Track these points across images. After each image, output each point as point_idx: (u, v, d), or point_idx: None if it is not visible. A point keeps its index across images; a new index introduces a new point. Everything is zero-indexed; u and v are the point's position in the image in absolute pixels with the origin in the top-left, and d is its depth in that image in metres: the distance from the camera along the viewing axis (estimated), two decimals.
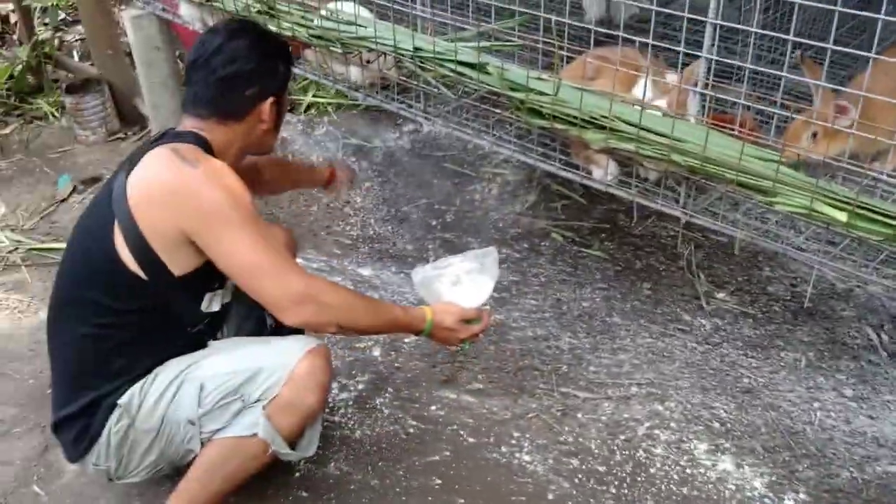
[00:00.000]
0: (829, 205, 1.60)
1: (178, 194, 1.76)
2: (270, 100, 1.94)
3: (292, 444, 1.99)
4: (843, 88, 1.97)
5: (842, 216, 1.58)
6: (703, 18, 1.71)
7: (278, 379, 1.87)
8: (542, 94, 1.98)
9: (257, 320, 2.28)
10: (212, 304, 1.97)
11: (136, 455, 1.94)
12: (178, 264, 1.83)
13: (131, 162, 1.86)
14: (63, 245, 3.35)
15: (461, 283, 2.15)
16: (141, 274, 1.81)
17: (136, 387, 1.90)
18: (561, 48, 1.93)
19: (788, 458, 2.32)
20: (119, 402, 1.88)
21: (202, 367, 1.92)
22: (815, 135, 1.89)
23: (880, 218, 1.54)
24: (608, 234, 3.27)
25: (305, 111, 4.21)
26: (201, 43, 1.96)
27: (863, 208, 1.56)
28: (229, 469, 1.94)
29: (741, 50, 2.65)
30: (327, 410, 2.55)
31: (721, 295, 2.93)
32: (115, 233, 1.80)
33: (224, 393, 1.87)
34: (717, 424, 2.43)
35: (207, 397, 1.87)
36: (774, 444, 2.36)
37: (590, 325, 2.85)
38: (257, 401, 1.88)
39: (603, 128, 1.87)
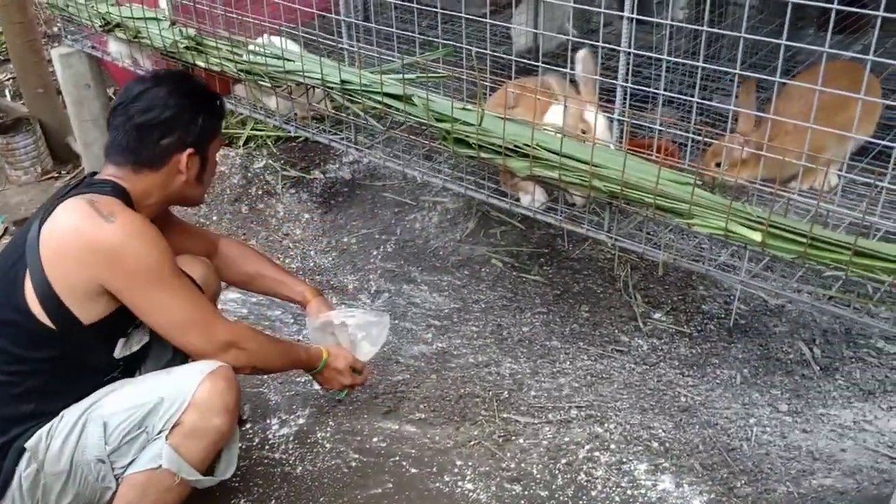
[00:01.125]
0: (744, 225, 1.64)
1: (96, 252, 1.74)
2: (188, 151, 1.91)
3: (210, 470, 1.97)
4: (764, 115, 2.03)
5: (756, 236, 1.62)
6: (617, 48, 1.76)
7: (179, 406, 1.85)
8: (467, 123, 2.00)
9: (176, 354, 2.26)
10: (125, 348, 1.94)
11: (51, 498, 1.88)
12: (88, 314, 1.80)
13: (46, 210, 1.82)
14: None
15: (352, 339, 2.36)
16: (49, 324, 1.78)
17: (44, 429, 1.85)
18: (484, 78, 1.95)
19: (726, 475, 2.35)
20: (26, 445, 1.84)
21: (104, 405, 1.88)
22: (718, 165, 1.95)
23: (792, 236, 1.59)
24: (547, 259, 3.31)
25: (244, 144, 4.19)
26: (126, 88, 1.94)
27: (775, 227, 1.60)
28: (150, 503, 1.89)
29: (673, 77, 2.73)
30: (267, 447, 2.52)
31: (657, 315, 2.97)
32: (25, 283, 1.76)
33: (129, 428, 1.84)
34: (656, 444, 2.45)
35: (112, 434, 1.83)
36: (712, 461, 2.39)
37: (530, 349, 2.86)
38: (160, 431, 1.85)
39: (526, 156, 1.89)
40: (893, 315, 1.69)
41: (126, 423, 1.84)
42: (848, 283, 1.73)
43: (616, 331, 2.91)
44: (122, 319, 1.87)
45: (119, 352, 1.95)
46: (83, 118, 3.42)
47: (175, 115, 1.88)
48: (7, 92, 4.94)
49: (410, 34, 2.15)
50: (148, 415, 1.85)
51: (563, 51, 2.97)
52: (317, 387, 2.72)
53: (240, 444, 2.51)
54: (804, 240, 1.56)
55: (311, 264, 3.40)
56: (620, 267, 3.20)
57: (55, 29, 3.33)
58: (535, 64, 1.95)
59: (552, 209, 2.13)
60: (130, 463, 1.87)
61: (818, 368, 2.71)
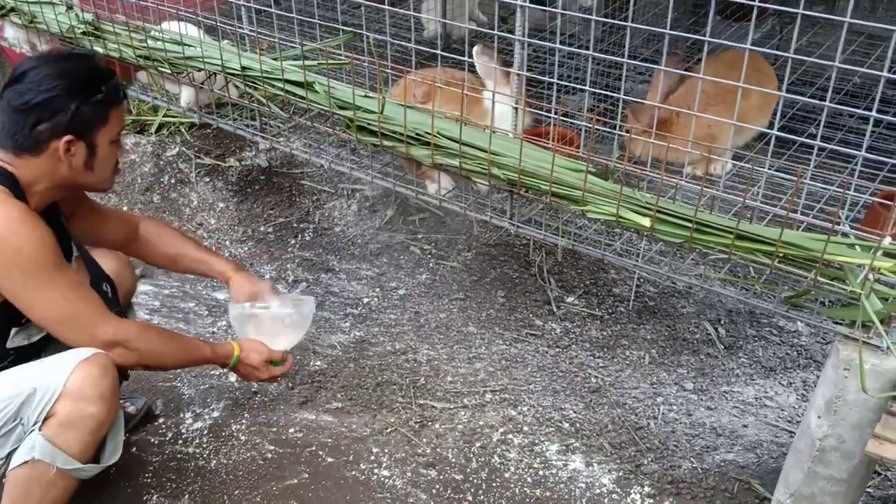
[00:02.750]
0: (635, 211, 1.68)
1: None
2: (67, 138, 1.82)
3: (96, 458, 1.92)
4: (647, 102, 2.07)
5: (645, 221, 1.66)
6: (511, 36, 1.77)
7: (52, 396, 1.79)
8: (369, 111, 1.99)
9: None
10: (23, 337, 1.88)
11: None
12: None
13: None
14: None
15: (273, 327, 2.30)
16: None
17: None
18: (385, 66, 1.95)
19: (634, 452, 2.41)
20: None
21: None
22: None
23: (679, 221, 1.63)
24: (465, 246, 3.33)
25: (157, 132, 4.08)
26: (15, 67, 1.86)
27: (663, 213, 1.65)
28: (35, 500, 1.83)
29: (578, 64, 2.77)
30: (180, 441, 2.48)
31: (570, 299, 3.02)
32: None
33: (3, 420, 1.79)
34: (567, 425, 2.51)
35: None
36: (621, 440, 2.45)
37: (447, 335, 2.88)
38: (35, 423, 1.80)
39: (428, 144, 1.89)
40: (779, 296, 1.76)
41: (1, 414, 1.79)
42: (738, 266, 1.79)
43: (531, 315, 2.96)
44: (13, 309, 1.81)
45: (12, 342, 1.88)
46: None
47: (47, 99, 1.79)
48: None
49: (313, 20, 2.12)
50: (22, 406, 1.79)
51: (472, 38, 3.00)
52: (232, 378, 2.70)
53: (151, 440, 2.48)
54: (690, 225, 1.61)
55: (227, 254, 3.34)
56: (535, 252, 3.24)
57: None
58: (439, 52, 1.95)
59: (460, 197, 2.14)
60: (10, 455, 1.82)
61: (723, 347, 2.81)
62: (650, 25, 1.60)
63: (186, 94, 2.47)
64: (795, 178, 1.44)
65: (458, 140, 1.83)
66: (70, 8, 2.60)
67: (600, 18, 1.65)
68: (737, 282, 1.75)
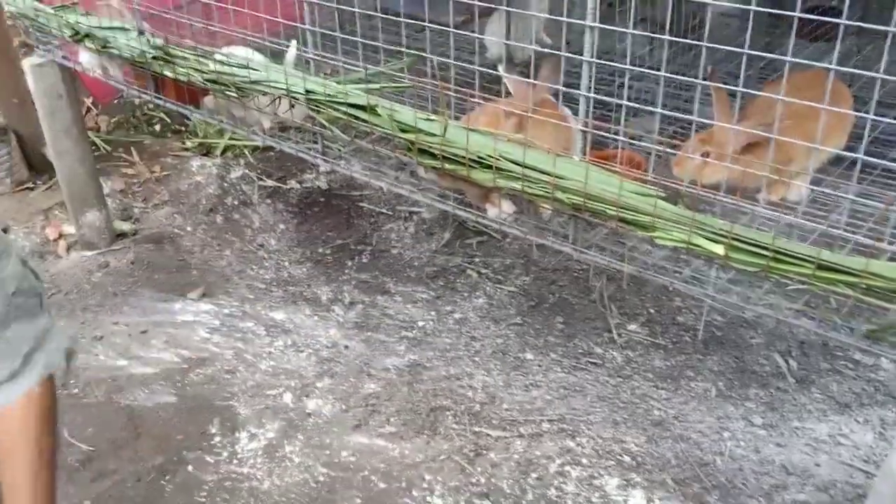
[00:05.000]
0: (708, 238, 1.61)
1: None
2: None
3: None
4: (716, 123, 2.00)
5: (719, 249, 1.59)
6: (580, 57, 1.73)
7: None
8: (431, 134, 1.97)
9: None
10: None
11: None
12: None
13: None
14: None
15: None
16: None
17: None
18: (447, 89, 1.93)
19: (698, 489, 2.32)
20: None
21: None
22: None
23: (755, 249, 1.56)
24: (522, 270, 3.28)
25: (222, 154, 4.15)
26: None
27: (739, 240, 1.58)
28: None
29: (643, 86, 2.71)
30: (235, 461, 2.48)
31: (632, 326, 2.94)
32: None
33: None
34: (627, 458, 2.42)
35: None
36: (684, 476, 2.36)
37: (503, 361, 2.83)
38: None
39: (489, 167, 1.86)
40: (860, 328, 1.67)
41: None
42: (815, 297, 1.71)
43: (590, 342, 2.89)
44: None
45: None
46: (55, 128, 3.37)
47: None
48: None
49: (377, 43, 2.12)
50: None
51: (536, 61, 2.96)
52: (287, 399, 2.69)
53: (207, 459, 2.48)
54: (767, 253, 1.54)
55: (286, 275, 3.36)
56: (596, 277, 3.17)
57: (32, 39, 3.27)
58: (503, 74, 1.92)
59: (521, 221, 2.10)
60: None
61: (794, 381, 2.69)
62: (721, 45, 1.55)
63: (251, 118, 2.50)
64: (883, 205, 1.36)
65: (521, 163, 1.79)
66: (141, 34, 2.66)
67: (673, 38, 1.60)
68: (814, 313, 1.67)
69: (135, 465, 2.46)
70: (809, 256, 1.50)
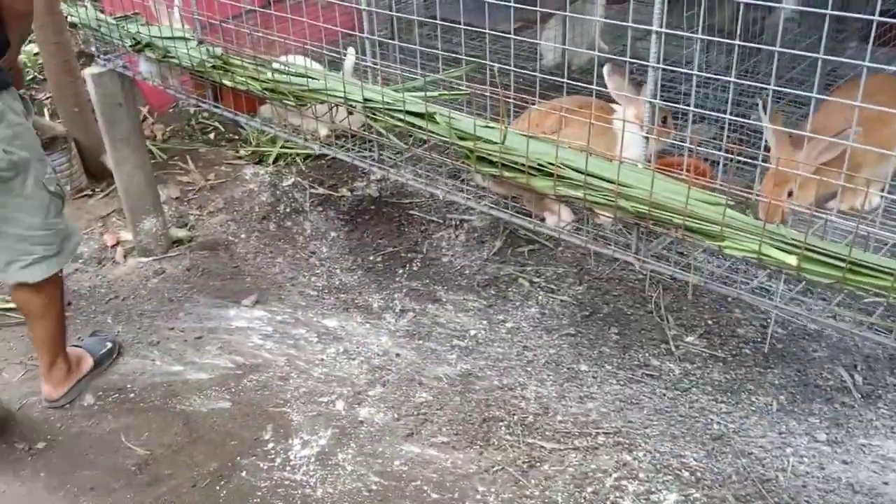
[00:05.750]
0: (779, 248, 1.57)
1: None
2: None
3: None
4: (797, 132, 1.94)
5: (791, 260, 1.54)
6: (645, 63, 1.70)
7: None
8: (490, 142, 1.95)
9: None
10: None
11: None
12: None
13: None
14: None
15: None
16: None
17: None
18: (507, 96, 1.91)
19: None
20: None
21: None
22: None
23: (830, 260, 1.51)
24: (575, 279, 3.24)
25: (274, 162, 4.19)
26: None
27: (812, 251, 1.53)
28: None
29: (708, 92, 2.66)
30: (288, 468, 2.48)
31: (690, 338, 2.88)
32: None
33: None
34: (686, 473, 2.36)
35: None
36: (746, 492, 2.29)
37: (557, 372, 2.79)
38: None
39: (550, 175, 1.84)
40: None
41: None
42: (891, 309, 1.64)
43: (647, 354, 2.83)
44: None
45: None
46: (115, 136, 3.44)
47: None
48: (45, 111, 5.01)
49: (435, 51, 2.11)
50: None
51: (592, 66, 2.93)
52: (340, 406, 2.69)
53: (261, 465, 2.49)
54: (843, 264, 1.48)
55: (337, 282, 3.37)
56: (652, 287, 3.12)
57: (93, 49, 3.34)
58: (562, 81, 1.89)
59: (579, 229, 2.07)
60: None
61: (859, 396, 2.60)
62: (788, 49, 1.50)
63: (308, 126, 2.51)
64: None
65: (583, 171, 1.76)
66: (201, 43, 2.70)
67: (742, 43, 1.56)
68: (890, 327, 1.60)
69: (190, 471, 2.48)
70: (888, 268, 1.44)
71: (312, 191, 3.93)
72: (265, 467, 2.50)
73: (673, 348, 2.84)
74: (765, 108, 1.85)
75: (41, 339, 2.68)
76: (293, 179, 4.04)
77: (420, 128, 2.06)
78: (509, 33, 1.93)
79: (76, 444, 2.62)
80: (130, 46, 2.98)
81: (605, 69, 1.92)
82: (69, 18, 3.40)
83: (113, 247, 3.64)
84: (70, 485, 2.46)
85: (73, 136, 4.17)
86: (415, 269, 3.41)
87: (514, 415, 2.62)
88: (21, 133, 2.38)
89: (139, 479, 2.47)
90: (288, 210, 3.83)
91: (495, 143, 1.92)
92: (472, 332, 3.02)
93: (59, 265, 2.59)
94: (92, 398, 2.79)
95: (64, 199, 2.59)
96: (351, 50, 2.42)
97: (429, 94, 2.09)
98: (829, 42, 2.90)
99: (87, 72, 3.38)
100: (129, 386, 2.84)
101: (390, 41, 2.16)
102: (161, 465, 2.51)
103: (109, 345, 2.98)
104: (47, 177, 2.50)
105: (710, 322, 2.95)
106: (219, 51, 2.64)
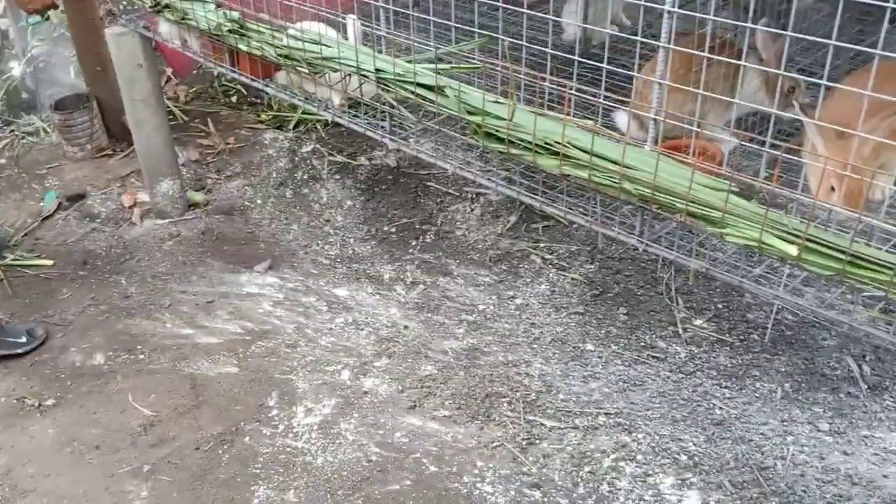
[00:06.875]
0: (780, 238, 1.54)
1: None
2: None
3: None
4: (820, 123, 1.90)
5: (792, 249, 1.52)
6: (656, 42, 1.67)
7: None
8: (499, 118, 1.93)
9: None
10: None
11: None
12: None
13: None
14: (45, 262, 3.35)
15: None
16: None
17: None
18: (517, 72, 1.89)
19: (757, 494, 2.24)
20: None
21: None
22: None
23: (831, 252, 1.48)
24: (588, 257, 3.22)
25: (294, 128, 4.20)
26: None
27: (813, 242, 1.50)
28: None
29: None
30: (290, 435, 2.52)
31: (699, 321, 2.86)
32: None
33: None
34: (684, 458, 2.36)
35: None
36: (743, 479, 2.29)
37: (562, 350, 2.79)
38: None
39: (556, 154, 1.82)
40: None
41: None
42: (893, 303, 1.61)
43: (654, 336, 2.82)
44: None
45: None
46: (134, 97, 3.46)
47: None
48: (71, 69, 5.04)
49: (449, 22, 2.09)
50: None
51: (613, 43, 2.88)
52: (345, 377, 2.71)
53: (264, 431, 2.53)
54: (843, 256, 1.46)
55: (350, 252, 3.38)
56: (664, 269, 3.09)
57: (120, 7, 3.35)
58: (574, 58, 1.87)
59: (583, 209, 2.05)
60: None
61: (866, 387, 2.57)
62: (809, 34, 1.46)
63: (322, 93, 2.50)
64: None
65: (588, 151, 1.74)
66: (219, 6, 2.70)
67: (758, 27, 1.52)
68: (893, 321, 1.58)
69: (194, 434, 2.53)
70: (888, 262, 1.41)
71: (331, 158, 3.93)
72: (268, 433, 2.53)
73: (680, 331, 2.82)
74: (802, 108, 1.80)
75: None
76: (312, 146, 4.04)
77: (430, 101, 2.04)
78: (525, 6, 1.90)
79: (85, 402, 2.68)
80: (150, 7, 2.99)
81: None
82: None
83: (130, 208, 3.68)
84: (77, 442, 2.52)
85: (94, 94, 4.20)
86: (428, 241, 3.41)
87: (516, 391, 2.63)
88: None
89: (144, 439, 2.52)
90: (305, 177, 3.84)
91: (503, 118, 1.90)
92: (481, 307, 3.02)
93: None
94: (102, 358, 2.85)
95: None
96: (352, 17, 2.39)
97: (440, 66, 2.07)
98: (858, 25, 2.83)
99: (109, 32, 3.40)
100: (139, 347, 2.88)
101: (405, 10, 2.14)
102: (166, 427, 2.56)
103: (23, 339, 2.87)
104: None
105: (719, 306, 2.92)
106: (235, 15, 2.63)
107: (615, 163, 1.72)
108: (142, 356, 2.85)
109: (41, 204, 3.80)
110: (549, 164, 1.84)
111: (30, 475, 2.43)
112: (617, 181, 1.72)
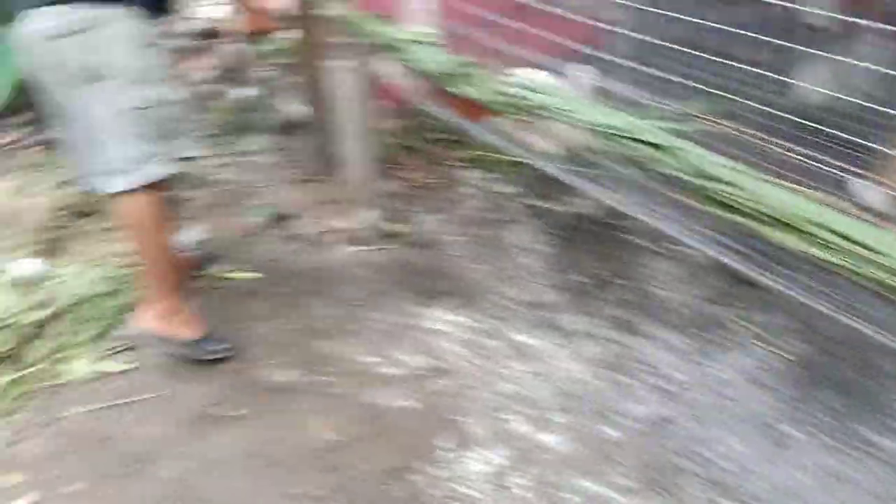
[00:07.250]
0: None
1: None
2: None
3: None
4: None
5: None
6: None
7: None
8: (732, 185, 1.80)
9: None
10: None
11: None
12: None
13: None
14: (252, 275, 3.52)
15: None
16: None
17: None
18: (763, 140, 1.75)
19: None
20: None
21: None
22: None
23: None
24: (799, 334, 2.95)
25: (495, 169, 4.21)
26: None
27: None
28: None
29: None
30: (462, 480, 2.46)
31: None
32: None
33: None
34: None
35: None
36: None
37: (763, 433, 2.56)
38: None
39: (799, 231, 1.65)
40: None
41: None
42: None
43: (868, 429, 2.52)
44: None
45: None
46: (347, 128, 3.61)
47: None
48: (292, 96, 5.36)
49: (678, 79, 1.99)
50: None
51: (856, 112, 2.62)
52: (521, 427, 2.63)
53: (435, 471, 2.48)
54: None
55: (538, 298, 3.31)
56: (891, 359, 2.77)
57: (340, 42, 3.52)
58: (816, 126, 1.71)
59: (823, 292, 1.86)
60: None
61: None
62: None
63: (540, 144, 2.47)
64: None
65: (840, 233, 1.57)
66: (442, 49, 2.74)
67: None
68: None
69: (368, 464, 2.54)
70: None
71: (528, 201, 3.90)
72: (439, 475, 2.49)
73: None
74: None
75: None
76: (511, 188, 4.04)
77: (659, 161, 1.94)
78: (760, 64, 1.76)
79: (271, 418, 2.75)
80: (374, 45, 3.10)
81: None
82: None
83: (332, 232, 3.82)
84: (260, 456, 2.60)
85: (313, 122, 4.43)
86: (620, 295, 3.28)
87: (708, 471, 2.44)
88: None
89: (321, 462, 2.56)
90: (501, 218, 3.83)
91: (742, 188, 1.76)
92: (674, 375, 2.84)
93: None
94: (291, 375, 2.92)
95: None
96: (588, 69, 2.34)
97: (680, 126, 1.95)
98: None
99: (330, 64, 3.57)
100: (326, 369, 2.95)
101: (642, 67, 2.06)
102: (343, 454, 2.58)
103: (220, 346, 3.02)
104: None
105: None
106: (460, 59, 2.66)
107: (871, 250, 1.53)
108: (326, 378, 2.91)
109: (251, 220, 4.02)
110: (788, 239, 1.68)
111: (210, 483, 2.52)
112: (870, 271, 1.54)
